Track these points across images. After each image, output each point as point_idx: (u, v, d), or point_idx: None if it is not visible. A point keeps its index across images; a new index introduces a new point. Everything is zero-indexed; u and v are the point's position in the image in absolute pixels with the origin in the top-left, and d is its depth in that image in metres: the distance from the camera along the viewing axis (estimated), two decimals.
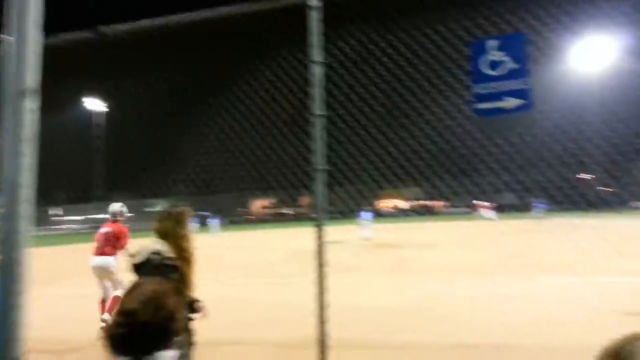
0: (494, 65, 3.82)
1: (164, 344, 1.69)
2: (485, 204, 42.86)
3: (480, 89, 3.80)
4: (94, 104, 40.12)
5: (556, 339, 5.18)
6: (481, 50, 3.85)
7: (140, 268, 3.02)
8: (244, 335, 6.02)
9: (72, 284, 7.68)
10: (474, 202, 46.40)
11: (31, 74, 3.62)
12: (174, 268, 3.07)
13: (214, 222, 34.83)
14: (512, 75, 3.75)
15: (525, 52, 3.73)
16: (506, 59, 3.79)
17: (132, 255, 3.15)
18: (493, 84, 3.79)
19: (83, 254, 8.24)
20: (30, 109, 3.56)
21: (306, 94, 4.25)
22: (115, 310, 1.69)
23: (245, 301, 6.37)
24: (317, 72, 3.66)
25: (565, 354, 4.63)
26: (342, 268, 5.44)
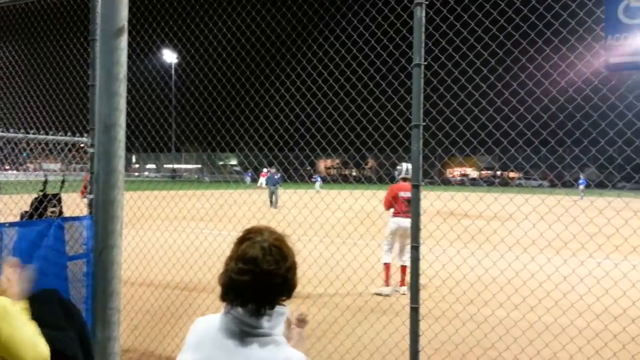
0: (632, 12, 3.32)
1: (284, 298, 1.60)
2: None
3: (614, 40, 3.31)
4: (168, 55, 42.08)
5: None
6: None
7: None
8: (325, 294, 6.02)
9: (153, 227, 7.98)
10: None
11: (125, 12, 3.57)
12: None
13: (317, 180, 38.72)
14: None
15: None
16: None
17: None
18: (629, 34, 3.30)
19: (161, 200, 8.56)
20: (123, 47, 3.53)
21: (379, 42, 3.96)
22: (233, 255, 1.59)
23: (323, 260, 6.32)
24: (419, 15, 3.34)
25: None
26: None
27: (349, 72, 4.46)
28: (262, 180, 38.46)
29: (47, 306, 2.50)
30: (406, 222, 7.10)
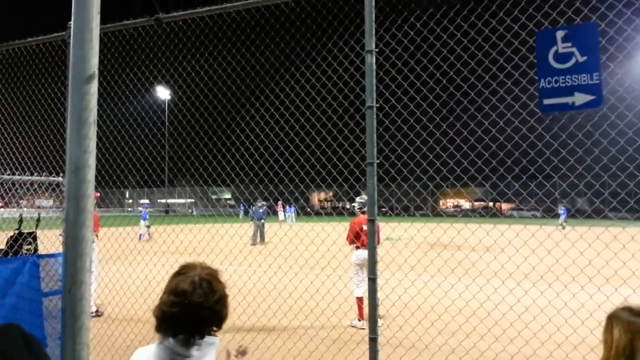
0: (561, 57, 3.58)
1: (213, 329, 1.74)
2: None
3: (546, 83, 3.57)
4: (160, 92, 43.05)
5: None
6: (547, 41, 3.62)
7: None
8: (289, 326, 6.09)
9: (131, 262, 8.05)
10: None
11: (95, 59, 3.83)
12: None
13: (289, 212, 38.34)
14: (580, 68, 3.50)
15: (596, 43, 3.45)
16: (575, 50, 3.53)
17: None
18: (560, 78, 3.55)
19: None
20: (93, 92, 3.78)
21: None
22: (167, 289, 1.75)
23: (298, 292, 6.42)
24: (370, 61, 3.58)
25: None
26: (396, 266, 5.42)
27: (308, 114, 4.71)
28: (280, 214, 38.04)
29: (9, 341, 2.60)
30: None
